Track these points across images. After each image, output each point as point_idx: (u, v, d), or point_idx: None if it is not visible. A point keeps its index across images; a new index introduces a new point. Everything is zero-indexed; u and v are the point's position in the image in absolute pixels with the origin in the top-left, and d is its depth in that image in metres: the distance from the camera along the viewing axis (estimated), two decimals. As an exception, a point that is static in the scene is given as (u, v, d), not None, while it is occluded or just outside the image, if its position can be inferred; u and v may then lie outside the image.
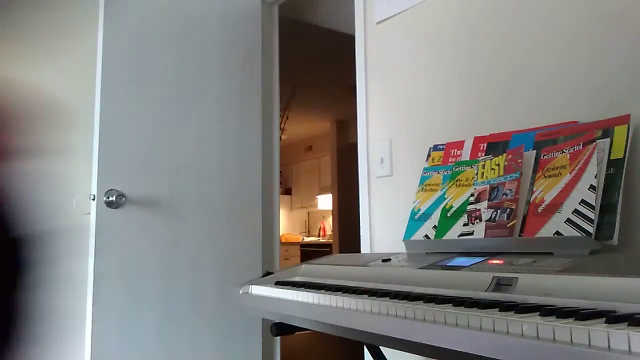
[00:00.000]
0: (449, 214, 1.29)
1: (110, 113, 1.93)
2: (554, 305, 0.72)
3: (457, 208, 1.28)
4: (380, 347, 1.49)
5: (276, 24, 2.72)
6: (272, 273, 1.42)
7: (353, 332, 0.90)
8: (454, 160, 1.42)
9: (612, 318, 0.58)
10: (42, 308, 2.11)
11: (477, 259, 1.02)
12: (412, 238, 1.36)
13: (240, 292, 1.31)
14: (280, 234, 4.21)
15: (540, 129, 1.24)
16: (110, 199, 1.88)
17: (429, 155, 1.51)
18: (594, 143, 1.05)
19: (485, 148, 1.36)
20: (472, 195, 1.25)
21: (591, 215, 0.98)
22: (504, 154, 1.23)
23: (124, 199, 1.90)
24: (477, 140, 1.39)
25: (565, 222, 1.02)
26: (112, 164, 1.92)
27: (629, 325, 0.55)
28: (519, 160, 1.18)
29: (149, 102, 2.04)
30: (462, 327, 0.69)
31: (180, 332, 2.04)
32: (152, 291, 1.98)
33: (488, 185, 1.22)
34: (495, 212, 1.17)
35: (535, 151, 1.18)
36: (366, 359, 1.85)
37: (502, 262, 0.96)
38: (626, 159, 1.02)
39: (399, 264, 1.15)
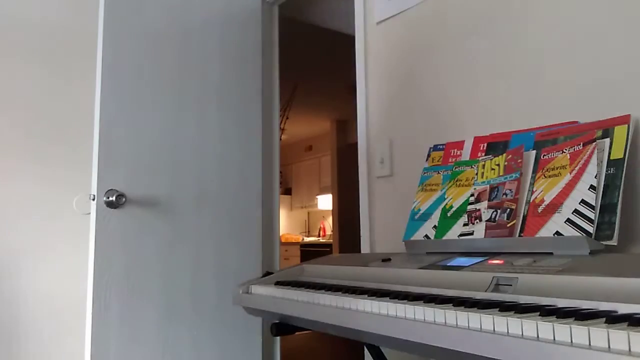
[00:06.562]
0: (449, 214, 1.29)
1: (111, 113, 1.93)
2: (554, 305, 0.72)
3: (457, 208, 1.28)
4: (380, 347, 1.49)
5: (276, 23, 2.72)
6: (272, 273, 1.42)
7: (353, 332, 0.90)
8: (454, 160, 1.42)
9: (612, 318, 0.58)
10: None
11: (477, 259, 1.02)
12: (412, 238, 1.35)
13: (240, 292, 1.32)
14: (280, 234, 4.21)
15: (540, 129, 1.24)
16: (110, 199, 1.88)
17: (429, 155, 1.51)
18: (594, 143, 1.05)
19: (485, 148, 1.36)
20: (472, 195, 1.25)
21: (591, 215, 0.98)
22: (504, 154, 1.23)
23: (124, 199, 1.90)
24: (477, 140, 1.39)
25: (565, 222, 1.02)
26: (112, 164, 1.92)
27: (629, 325, 0.56)
28: (519, 160, 1.18)
29: (149, 102, 2.04)
30: (462, 327, 0.69)
31: (180, 332, 2.04)
32: (152, 291, 1.98)
33: (488, 185, 1.22)
34: (495, 212, 1.17)
35: (535, 151, 1.18)
36: (366, 359, 1.85)
37: (502, 262, 0.96)
38: (626, 159, 1.02)
39: (399, 264, 1.15)
